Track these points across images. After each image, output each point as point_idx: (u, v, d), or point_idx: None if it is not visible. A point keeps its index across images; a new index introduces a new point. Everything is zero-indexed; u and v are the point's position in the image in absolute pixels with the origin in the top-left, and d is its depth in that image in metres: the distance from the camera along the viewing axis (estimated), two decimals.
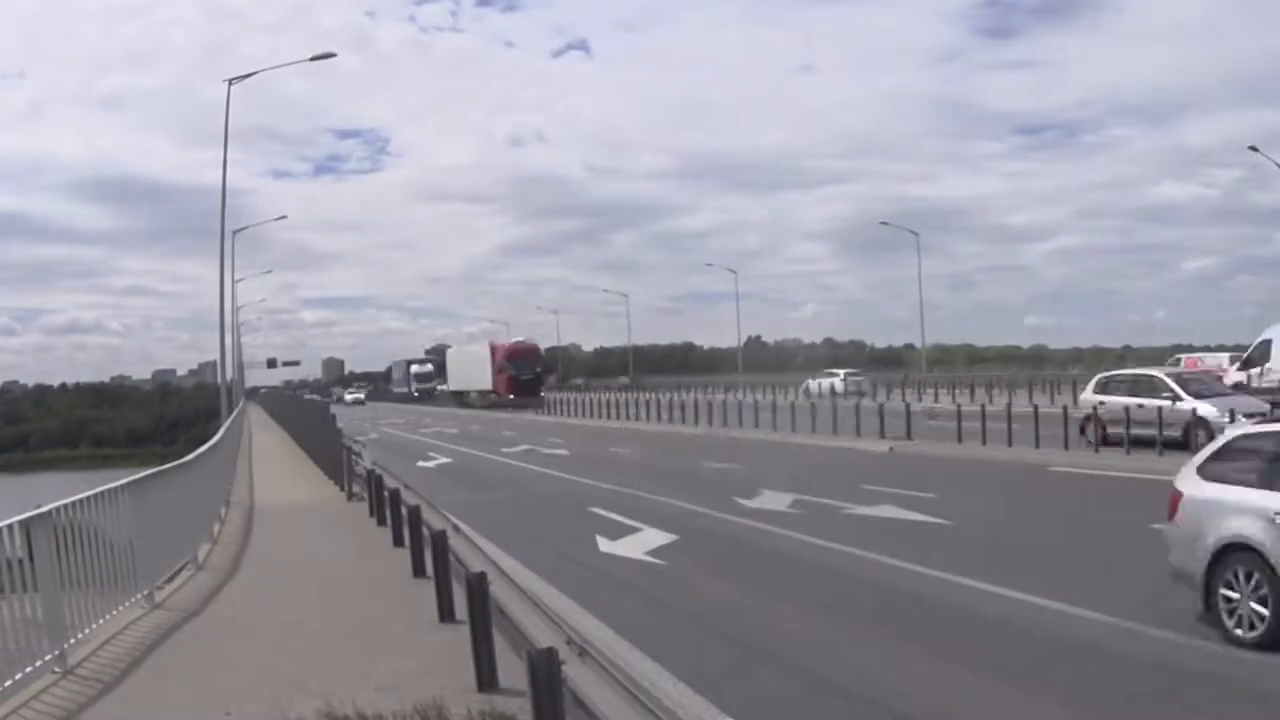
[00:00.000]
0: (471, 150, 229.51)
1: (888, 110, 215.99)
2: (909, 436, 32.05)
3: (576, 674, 6.03)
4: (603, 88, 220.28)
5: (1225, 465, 10.49)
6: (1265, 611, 9.05)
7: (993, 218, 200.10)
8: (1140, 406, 25.81)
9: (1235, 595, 9.42)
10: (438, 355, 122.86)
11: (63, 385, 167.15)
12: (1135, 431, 25.20)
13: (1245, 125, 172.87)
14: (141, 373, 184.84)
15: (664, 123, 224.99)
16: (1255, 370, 34.00)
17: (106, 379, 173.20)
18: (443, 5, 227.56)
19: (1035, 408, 29.64)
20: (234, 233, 54.53)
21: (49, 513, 9.31)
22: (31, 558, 8.89)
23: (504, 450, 39.10)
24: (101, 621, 10.55)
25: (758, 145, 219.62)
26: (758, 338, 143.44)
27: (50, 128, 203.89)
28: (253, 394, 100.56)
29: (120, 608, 11.30)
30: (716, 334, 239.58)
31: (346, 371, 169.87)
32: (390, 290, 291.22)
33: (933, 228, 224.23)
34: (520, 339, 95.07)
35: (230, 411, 41.69)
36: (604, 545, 16.67)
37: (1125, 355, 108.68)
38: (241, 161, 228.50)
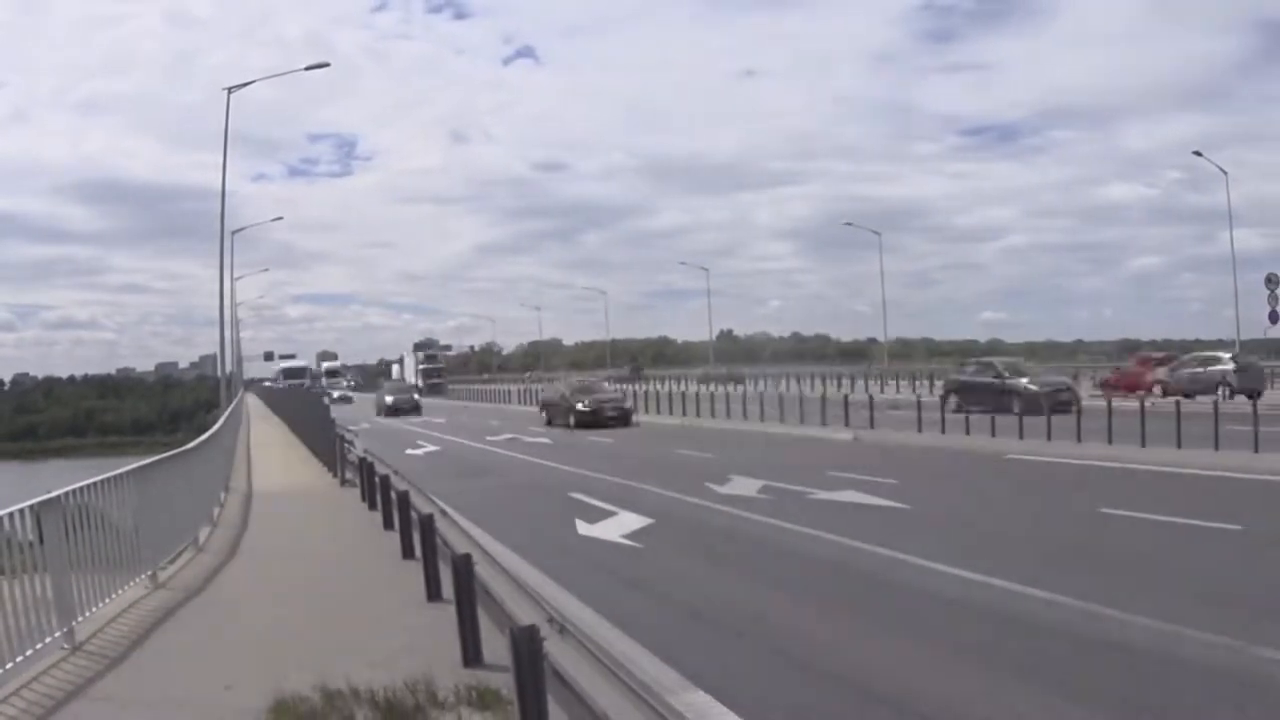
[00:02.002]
0: (437, 154, 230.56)
1: (834, 113, 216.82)
2: (871, 426, 32.14)
3: (557, 650, 6.06)
4: (556, 93, 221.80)
5: None
6: None
7: (944, 218, 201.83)
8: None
9: None
10: (426, 350, 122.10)
11: (70, 377, 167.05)
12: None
13: (1181, 128, 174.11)
14: (138, 366, 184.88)
15: (620, 127, 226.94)
16: None
17: (104, 372, 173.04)
18: (395, 14, 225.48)
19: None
20: (233, 233, 54.57)
21: (58, 498, 9.31)
22: (41, 540, 8.90)
23: (489, 439, 39.07)
24: (108, 600, 10.55)
25: (712, 148, 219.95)
26: (729, 331, 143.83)
27: (35, 132, 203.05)
28: (250, 385, 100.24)
29: (126, 587, 11.30)
30: (688, 328, 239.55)
31: (340, 364, 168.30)
32: (372, 287, 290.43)
33: (887, 227, 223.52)
34: None
35: (229, 402, 41.64)
36: (583, 528, 16.69)
37: (1077, 349, 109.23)
38: (233, 166, 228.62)
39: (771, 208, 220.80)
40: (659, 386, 60.33)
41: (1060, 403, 29.99)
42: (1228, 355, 41.80)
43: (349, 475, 24.19)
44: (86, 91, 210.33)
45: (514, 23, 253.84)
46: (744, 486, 20.78)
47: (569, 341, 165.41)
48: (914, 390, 49.00)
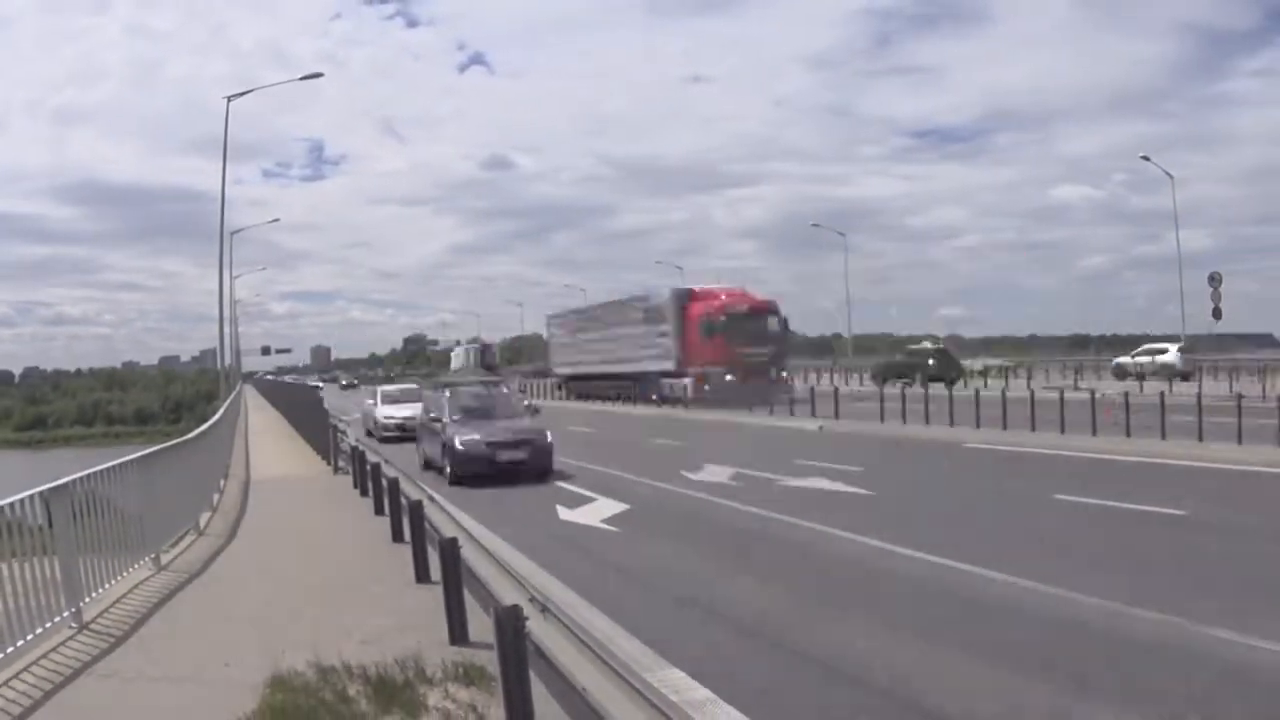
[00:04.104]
0: (401, 158, 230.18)
1: (782, 117, 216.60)
2: (837, 416, 32.19)
3: (539, 629, 6.08)
4: (512, 98, 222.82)
5: None
6: None
7: (897, 218, 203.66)
8: None
9: None
10: (417, 347, 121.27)
11: (78, 370, 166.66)
12: None
13: (1121, 132, 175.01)
14: (135, 360, 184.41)
15: (577, 132, 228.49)
16: None
17: (107, 365, 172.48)
18: (350, 22, 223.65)
19: (950, 391, 29.93)
20: (232, 234, 54.49)
21: (66, 484, 9.29)
22: (50, 525, 8.90)
23: None
24: (113, 582, 10.55)
25: (667, 151, 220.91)
26: None
27: (17, 139, 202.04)
28: (248, 378, 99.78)
29: (130, 569, 11.29)
30: None
31: (333, 358, 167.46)
32: (355, 285, 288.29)
33: (842, 227, 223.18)
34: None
35: (228, 394, 41.55)
36: (563, 514, 16.72)
37: (1031, 344, 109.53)
38: (202, 169, 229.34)
39: (728, 208, 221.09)
40: None
41: None
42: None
43: (342, 464, 24.20)
44: (61, 101, 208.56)
45: (465, 29, 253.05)
46: (716, 474, 20.84)
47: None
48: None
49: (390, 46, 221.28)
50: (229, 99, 39.11)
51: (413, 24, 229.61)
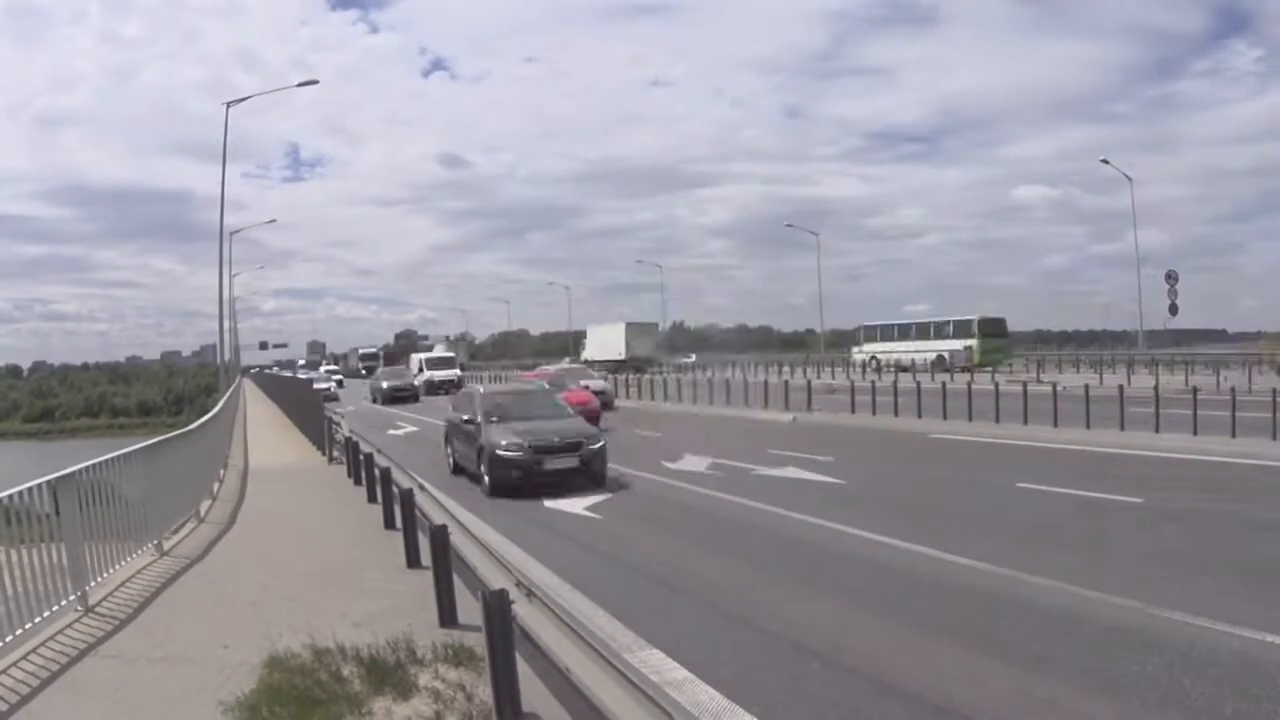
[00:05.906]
0: (376, 161, 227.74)
1: (742, 120, 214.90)
2: (809, 408, 32.25)
3: (525, 612, 6.11)
4: (474, 102, 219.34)
5: None
6: None
7: (859, 218, 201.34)
8: None
9: None
10: (407, 341, 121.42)
11: (84, 365, 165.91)
12: None
13: (1076, 134, 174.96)
14: (134, 354, 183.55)
15: (542, 134, 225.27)
16: None
17: (103, 360, 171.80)
18: (317, 28, 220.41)
19: (918, 384, 30.00)
20: (231, 234, 54.41)
21: (73, 474, 9.27)
22: (58, 512, 8.89)
23: None
24: (118, 567, 10.55)
25: (631, 153, 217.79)
26: (681, 323, 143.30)
27: (4, 144, 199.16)
28: (246, 371, 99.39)
29: (134, 555, 11.28)
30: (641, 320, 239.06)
31: (328, 353, 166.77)
32: (341, 282, 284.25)
33: (811, 226, 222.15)
34: None
35: (228, 387, 41.49)
36: (548, 501, 16.69)
37: None
38: (183, 170, 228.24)
39: (694, 209, 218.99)
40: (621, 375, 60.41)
41: None
42: None
43: (336, 454, 24.14)
44: (40, 107, 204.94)
45: (425, 35, 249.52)
46: (694, 464, 20.87)
47: (535, 332, 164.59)
48: (848, 377, 49.13)
49: (356, 52, 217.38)
50: (228, 105, 39.05)
51: (375, 30, 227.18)
